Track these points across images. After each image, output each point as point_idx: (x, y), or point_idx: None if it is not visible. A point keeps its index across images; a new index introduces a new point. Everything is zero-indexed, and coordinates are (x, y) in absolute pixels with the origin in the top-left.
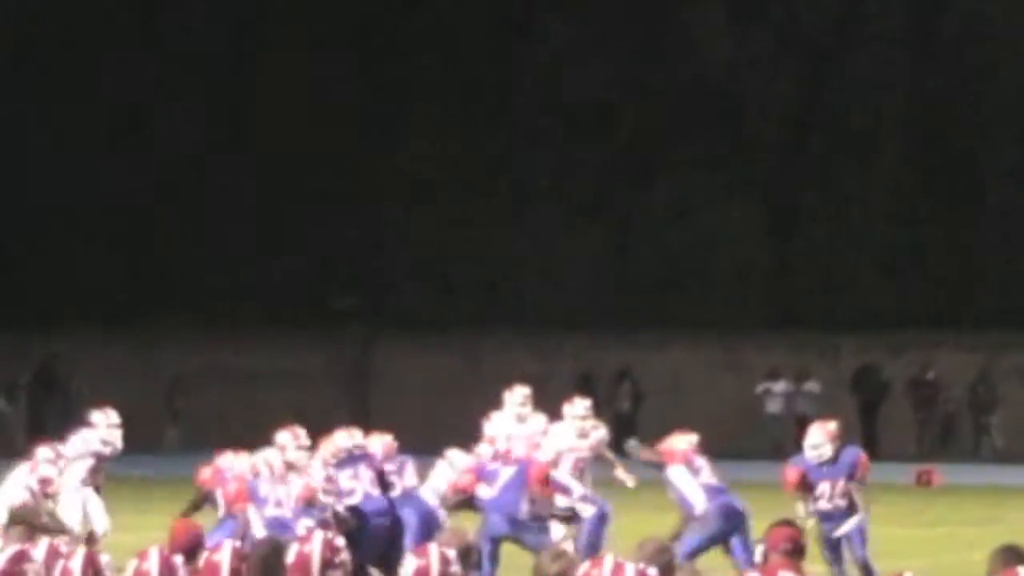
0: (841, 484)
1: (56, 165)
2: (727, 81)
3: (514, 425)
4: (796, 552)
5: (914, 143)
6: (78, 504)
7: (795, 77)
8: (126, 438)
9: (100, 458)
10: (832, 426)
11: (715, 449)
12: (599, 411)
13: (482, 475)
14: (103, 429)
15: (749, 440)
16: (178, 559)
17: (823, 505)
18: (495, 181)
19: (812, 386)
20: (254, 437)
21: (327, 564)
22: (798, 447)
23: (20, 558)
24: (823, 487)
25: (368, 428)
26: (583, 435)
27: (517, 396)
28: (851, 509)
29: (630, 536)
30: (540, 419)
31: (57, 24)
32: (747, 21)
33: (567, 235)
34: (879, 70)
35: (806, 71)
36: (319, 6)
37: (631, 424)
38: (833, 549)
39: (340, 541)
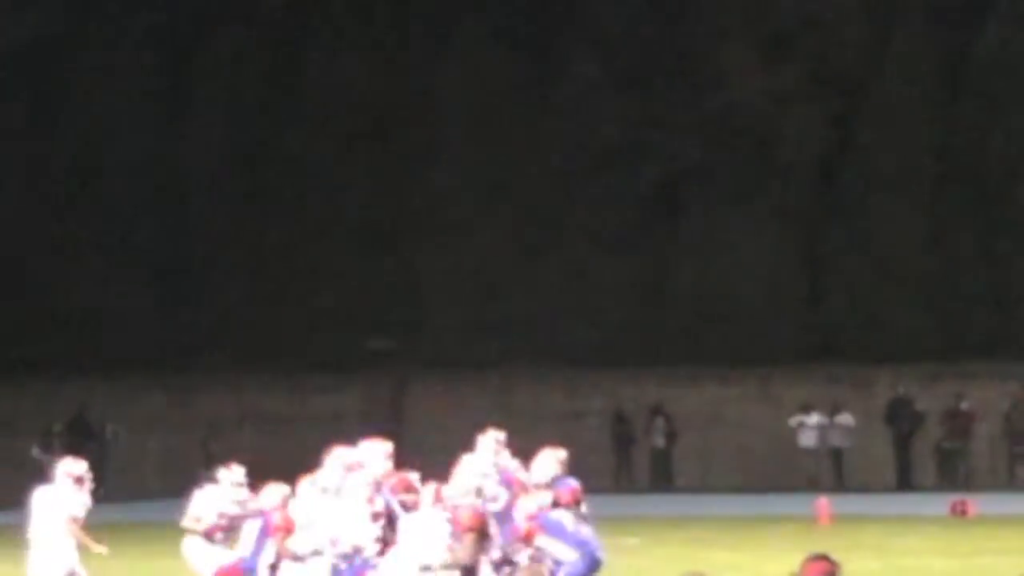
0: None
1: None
2: (758, 115)
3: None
4: None
5: (947, 174)
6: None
7: (826, 110)
8: (162, 483)
9: (225, 517)
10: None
11: (750, 482)
12: (633, 447)
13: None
14: (228, 487)
15: (784, 473)
16: None
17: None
18: (527, 219)
19: (846, 418)
20: (289, 480)
21: None
22: (833, 480)
23: None
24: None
25: (401, 468)
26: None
27: (489, 440)
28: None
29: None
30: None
31: None
32: (778, 56)
33: (599, 271)
34: (910, 101)
35: (837, 104)
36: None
37: (666, 459)
38: None
39: None
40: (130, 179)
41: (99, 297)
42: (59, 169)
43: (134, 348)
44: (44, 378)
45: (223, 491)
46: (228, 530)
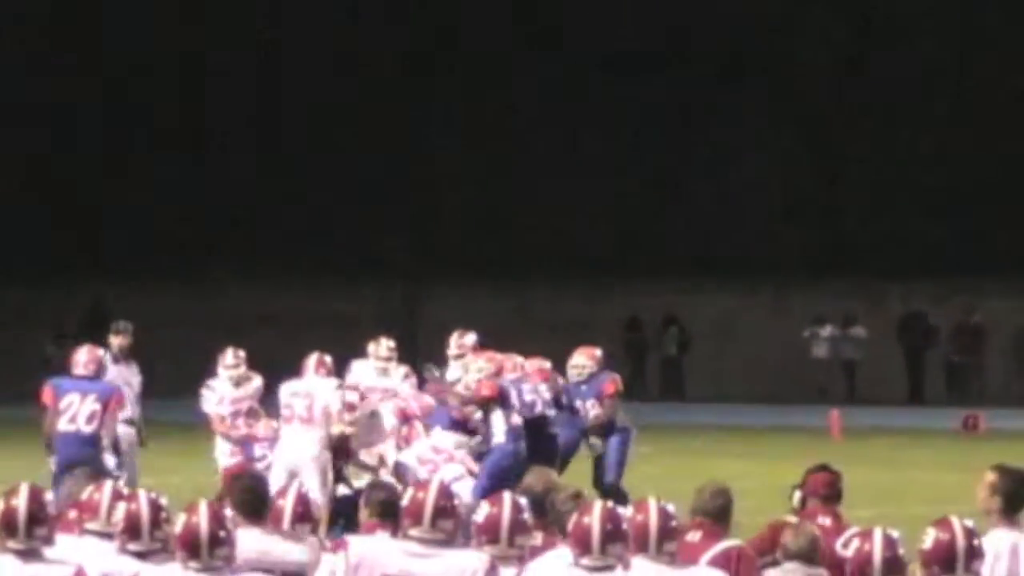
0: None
1: (105, 114)
2: (776, 21)
3: (374, 376)
4: (833, 497)
5: (964, 87)
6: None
7: (846, 17)
8: (176, 383)
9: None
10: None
11: (761, 393)
12: (646, 356)
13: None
14: (222, 373)
15: (795, 384)
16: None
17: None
18: (545, 124)
19: (858, 331)
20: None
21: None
22: (845, 392)
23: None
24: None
25: (415, 373)
26: (384, 372)
27: (383, 349)
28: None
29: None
30: (401, 372)
31: None
32: None
33: (616, 180)
34: (929, 13)
35: (857, 12)
36: None
37: (678, 369)
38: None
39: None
40: (153, 76)
41: (119, 197)
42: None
43: (150, 248)
44: (59, 274)
45: (220, 380)
46: (241, 416)
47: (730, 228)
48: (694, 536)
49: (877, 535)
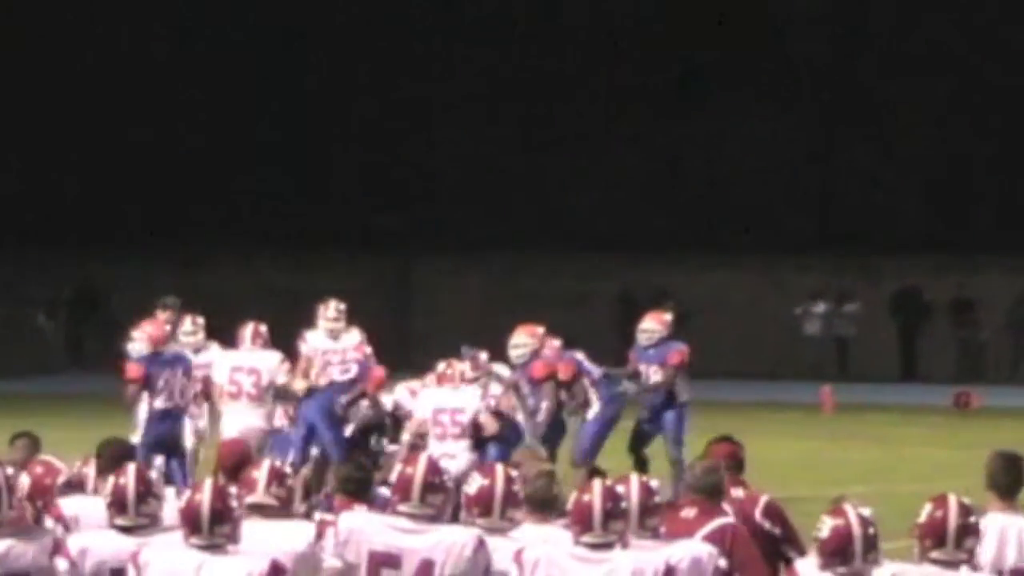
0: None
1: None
2: (773, 4)
3: (326, 341)
4: (738, 467)
5: (961, 66)
6: None
7: None
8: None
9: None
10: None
11: (754, 369)
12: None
13: None
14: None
15: (788, 361)
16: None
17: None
18: (540, 100)
19: (852, 308)
20: (294, 357)
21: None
22: (837, 369)
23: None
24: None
25: (409, 347)
26: (335, 337)
27: (331, 311)
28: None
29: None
30: (355, 334)
31: None
32: None
33: (610, 155)
34: None
35: None
36: None
37: None
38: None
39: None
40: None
41: (110, 169)
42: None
43: (142, 220)
44: (51, 246)
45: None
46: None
47: (725, 205)
48: (688, 513)
49: (851, 512)
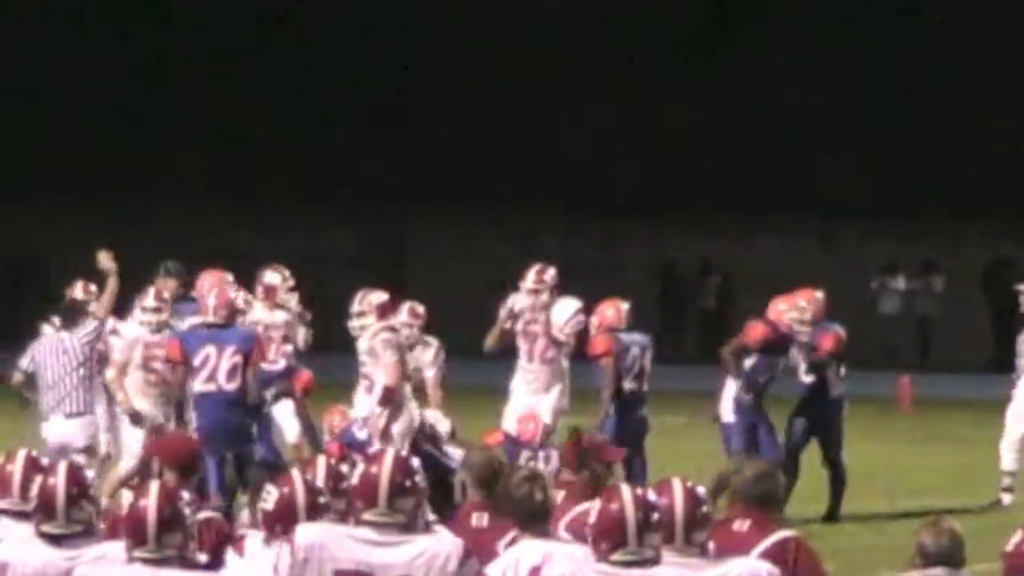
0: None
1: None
2: None
3: (267, 314)
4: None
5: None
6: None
7: None
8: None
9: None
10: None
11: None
12: (683, 308)
13: None
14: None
15: (859, 347)
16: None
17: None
18: (566, 44)
19: (936, 282)
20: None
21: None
22: (918, 354)
23: None
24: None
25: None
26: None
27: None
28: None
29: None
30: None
31: None
32: None
33: (643, 108)
34: None
35: None
36: None
37: (721, 324)
38: None
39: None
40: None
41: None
42: None
43: (81, 172)
44: None
45: (130, 323)
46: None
47: (776, 162)
48: (741, 525)
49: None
